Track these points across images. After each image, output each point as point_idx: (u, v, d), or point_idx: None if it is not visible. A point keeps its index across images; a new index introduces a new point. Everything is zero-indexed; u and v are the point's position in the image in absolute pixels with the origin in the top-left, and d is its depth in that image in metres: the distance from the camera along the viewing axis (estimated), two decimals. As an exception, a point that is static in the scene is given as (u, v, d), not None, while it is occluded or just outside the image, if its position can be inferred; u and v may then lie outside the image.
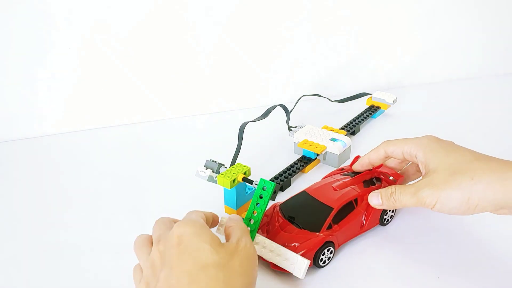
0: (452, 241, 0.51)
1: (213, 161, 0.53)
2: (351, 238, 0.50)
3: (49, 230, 0.55)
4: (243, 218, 0.46)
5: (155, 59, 0.79)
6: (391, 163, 0.54)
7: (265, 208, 0.46)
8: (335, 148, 0.64)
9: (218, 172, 0.52)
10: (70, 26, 0.72)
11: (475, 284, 0.45)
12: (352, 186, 0.51)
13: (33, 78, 0.74)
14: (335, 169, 0.58)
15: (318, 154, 0.65)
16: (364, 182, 0.52)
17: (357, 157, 0.54)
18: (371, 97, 0.83)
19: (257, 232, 0.48)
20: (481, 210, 0.40)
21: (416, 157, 0.46)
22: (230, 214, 0.53)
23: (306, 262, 0.43)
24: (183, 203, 0.58)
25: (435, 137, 0.47)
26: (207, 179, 0.52)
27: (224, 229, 0.43)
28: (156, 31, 0.77)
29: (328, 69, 0.90)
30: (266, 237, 0.47)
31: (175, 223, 0.44)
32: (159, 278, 0.37)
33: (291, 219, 0.49)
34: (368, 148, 0.53)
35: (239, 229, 0.42)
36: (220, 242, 0.39)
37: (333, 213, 0.48)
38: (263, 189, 0.46)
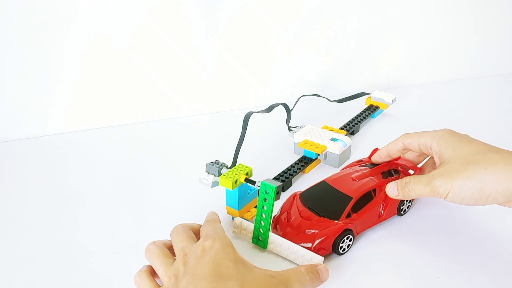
0: (454, 240, 0.51)
1: (213, 162, 0.53)
2: (369, 227, 0.52)
3: (51, 230, 0.55)
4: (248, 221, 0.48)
5: (156, 59, 0.79)
6: (409, 156, 0.56)
7: (272, 210, 0.47)
8: (335, 148, 0.65)
9: (220, 174, 0.52)
10: (72, 26, 0.72)
11: (475, 284, 0.45)
12: (371, 177, 0.53)
13: (35, 78, 0.74)
14: (354, 161, 0.59)
15: (318, 154, 0.65)
16: (383, 173, 0.54)
17: (376, 149, 0.56)
18: (370, 97, 0.83)
19: (274, 226, 0.51)
20: (493, 200, 0.40)
21: (431, 148, 0.48)
22: (232, 215, 0.54)
23: (321, 259, 0.45)
24: (184, 203, 0.59)
25: (451, 130, 0.48)
26: (211, 186, 0.52)
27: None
28: (157, 31, 0.77)
29: (328, 69, 0.90)
30: (287, 224, 0.50)
31: (192, 230, 0.45)
32: (180, 285, 0.37)
33: (311, 208, 0.50)
34: (368, 148, 0.54)
35: (294, 275, 0.41)
36: (246, 263, 0.40)
37: (352, 202, 0.50)
38: (266, 193, 0.47)
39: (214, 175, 0.52)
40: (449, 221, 0.54)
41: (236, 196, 0.52)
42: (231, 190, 0.51)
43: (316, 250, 0.47)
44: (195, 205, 0.58)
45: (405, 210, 0.54)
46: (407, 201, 0.54)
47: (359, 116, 0.79)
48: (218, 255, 0.39)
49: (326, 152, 0.65)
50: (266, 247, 0.49)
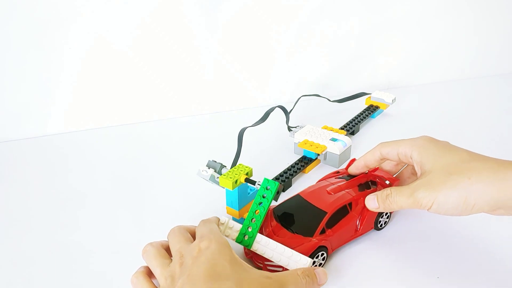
0: (450, 241, 0.51)
1: (215, 161, 0.53)
2: (345, 243, 0.50)
3: (51, 230, 0.55)
4: (244, 219, 0.47)
5: (156, 59, 0.79)
6: (386, 166, 0.54)
7: (268, 208, 0.47)
8: (335, 148, 0.65)
9: (220, 173, 0.52)
10: (72, 26, 0.72)
11: (475, 284, 0.45)
12: (347, 190, 0.51)
13: (35, 78, 0.74)
14: (331, 172, 0.57)
15: (318, 154, 0.65)
16: (359, 185, 0.52)
17: (353, 160, 0.54)
18: (370, 97, 0.83)
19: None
20: (478, 210, 0.39)
21: (411, 158, 0.46)
22: (232, 215, 0.54)
23: (310, 261, 0.44)
24: (184, 203, 0.59)
25: (430, 137, 0.46)
26: (208, 178, 0.52)
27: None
28: (157, 31, 0.77)
29: (327, 69, 0.91)
30: None
31: (189, 232, 0.45)
32: (177, 284, 0.37)
33: (284, 223, 0.48)
34: (367, 148, 0.54)
35: (289, 277, 0.41)
36: (242, 264, 0.40)
37: (327, 217, 0.47)
38: (267, 189, 0.47)
39: (214, 170, 0.52)
40: (430, 232, 0.52)
41: (236, 196, 0.52)
42: (231, 190, 0.51)
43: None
44: (195, 205, 0.58)
45: (382, 224, 0.52)
46: (385, 215, 0.52)
47: (359, 116, 0.79)
48: (214, 256, 0.39)
49: (326, 152, 0.65)
50: (251, 246, 0.47)
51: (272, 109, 0.64)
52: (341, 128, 0.75)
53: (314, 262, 0.46)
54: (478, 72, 1.00)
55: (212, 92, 0.84)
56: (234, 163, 0.56)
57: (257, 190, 0.49)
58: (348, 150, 0.67)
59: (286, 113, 0.69)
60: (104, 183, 0.64)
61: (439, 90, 0.94)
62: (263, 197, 0.47)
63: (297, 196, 0.51)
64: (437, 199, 0.40)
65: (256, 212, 0.47)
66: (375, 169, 0.53)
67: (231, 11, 0.79)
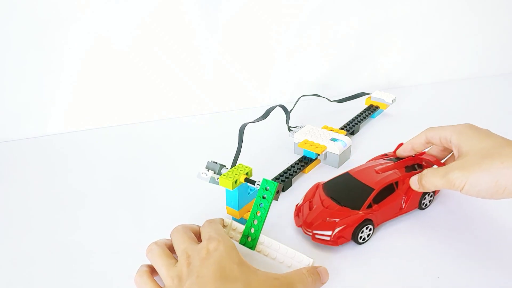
0: (450, 242, 0.51)
1: (214, 162, 0.53)
2: (389, 219, 0.53)
3: (51, 230, 0.55)
4: (244, 219, 0.47)
5: (156, 59, 0.79)
6: (433, 151, 0.56)
7: (268, 209, 0.47)
8: (335, 148, 0.65)
9: (219, 173, 0.52)
10: (72, 26, 0.72)
11: (475, 285, 0.45)
12: (394, 170, 0.54)
13: (35, 78, 0.74)
14: (379, 154, 0.60)
15: (318, 154, 0.65)
16: (406, 167, 0.55)
17: (401, 144, 0.57)
18: (370, 97, 0.83)
19: (296, 214, 0.53)
20: (508, 194, 0.40)
21: (450, 142, 0.48)
22: (232, 215, 0.54)
23: (311, 261, 0.44)
24: (184, 203, 0.59)
25: (472, 124, 0.48)
26: (209, 180, 0.52)
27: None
28: (157, 31, 0.77)
29: (328, 69, 0.91)
30: (307, 213, 0.51)
31: (193, 231, 0.45)
32: (185, 285, 0.38)
33: (333, 197, 0.52)
34: (368, 147, 0.54)
35: (296, 277, 0.42)
36: (249, 266, 0.41)
37: (374, 193, 0.51)
38: (266, 189, 0.47)
39: (214, 172, 0.52)
40: (432, 232, 0.53)
41: (236, 196, 0.52)
42: (231, 190, 0.51)
43: (335, 238, 0.48)
44: (195, 205, 0.58)
45: (426, 204, 0.55)
46: (428, 195, 0.55)
47: (359, 116, 0.79)
48: (222, 258, 0.40)
49: (326, 152, 0.65)
50: (255, 248, 0.48)
51: (273, 108, 0.64)
52: (341, 128, 0.75)
53: (362, 237, 0.50)
54: (478, 72, 1.00)
55: (212, 92, 0.84)
56: (235, 160, 0.56)
57: (257, 191, 0.49)
58: (348, 150, 0.67)
59: (287, 112, 0.69)
60: (104, 183, 0.64)
61: (439, 90, 0.94)
62: (263, 198, 0.47)
63: (346, 174, 0.55)
64: (469, 180, 0.42)
65: (257, 213, 0.47)
66: (422, 153, 0.56)
67: (231, 11, 0.79)
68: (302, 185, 0.62)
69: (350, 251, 0.50)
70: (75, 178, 0.65)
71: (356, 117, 0.78)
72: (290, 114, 0.70)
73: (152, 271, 0.43)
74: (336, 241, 0.48)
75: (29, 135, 0.76)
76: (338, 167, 0.66)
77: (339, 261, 0.49)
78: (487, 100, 0.90)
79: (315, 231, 0.49)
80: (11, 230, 0.55)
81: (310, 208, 0.52)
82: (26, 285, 0.47)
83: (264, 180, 0.47)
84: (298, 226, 0.52)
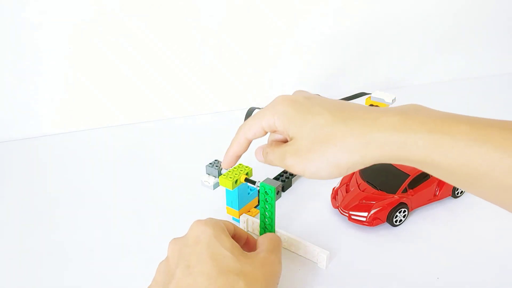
0: (450, 242, 0.51)
1: (212, 164, 0.53)
2: (424, 204, 0.56)
3: (51, 230, 0.55)
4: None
5: (155, 58, 0.79)
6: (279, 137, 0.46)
7: (274, 210, 0.48)
8: (335, 148, 0.65)
9: (220, 174, 0.52)
10: (72, 26, 0.72)
11: (475, 285, 0.45)
12: None
13: (31, 78, 0.74)
14: None
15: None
16: None
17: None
18: (370, 97, 0.83)
19: (333, 197, 0.56)
20: (352, 170, 0.38)
21: (276, 128, 0.41)
22: (232, 215, 0.54)
23: (326, 254, 0.46)
24: (184, 203, 0.59)
25: (289, 99, 0.41)
26: (213, 188, 0.52)
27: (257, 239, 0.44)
28: (156, 31, 0.77)
29: (327, 69, 0.90)
30: (344, 195, 0.54)
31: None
32: (174, 275, 0.36)
33: (369, 182, 0.55)
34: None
35: (271, 243, 0.42)
36: (241, 250, 0.39)
37: (409, 179, 0.53)
38: (266, 194, 0.47)
39: (215, 177, 0.52)
40: (432, 232, 0.53)
41: (236, 196, 0.52)
42: (231, 190, 0.51)
43: (371, 219, 0.52)
44: (195, 205, 0.58)
45: (459, 193, 0.57)
46: None
47: (359, 116, 0.78)
48: (212, 243, 0.38)
49: (326, 152, 0.65)
50: None
51: None
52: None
53: (396, 220, 0.53)
54: (478, 72, 1.00)
55: (212, 92, 0.84)
56: None
57: (257, 192, 0.49)
58: (348, 150, 0.67)
59: None
60: (103, 183, 0.64)
61: (439, 90, 0.94)
62: (266, 201, 0.48)
63: None
64: (307, 168, 0.38)
65: (266, 214, 0.48)
66: None
67: (232, 11, 0.79)
68: (303, 185, 0.62)
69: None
70: (75, 178, 0.65)
71: (356, 117, 0.78)
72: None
73: None
74: (371, 222, 0.52)
75: (28, 135, 0.76)
76: None
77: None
78: (487, 100, 0.90)
79: (351, 212, 0.53)
80: (11, 230, 0.55)
81: (347, 191, 0.55)
82: (25, 285, 0.47)
83: (262, 184, 0.47)
84: (335, 208, 0.55)
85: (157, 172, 0.66)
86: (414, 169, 0.49)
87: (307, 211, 0.57)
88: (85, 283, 0.47)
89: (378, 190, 0.54)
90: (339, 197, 0.56)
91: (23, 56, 0.72)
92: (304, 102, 0.40)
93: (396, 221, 0.53)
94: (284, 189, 0.61)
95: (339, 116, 0.38)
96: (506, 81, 0.98)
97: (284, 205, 0.58)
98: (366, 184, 0.55)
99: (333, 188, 0.58)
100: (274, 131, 0.43)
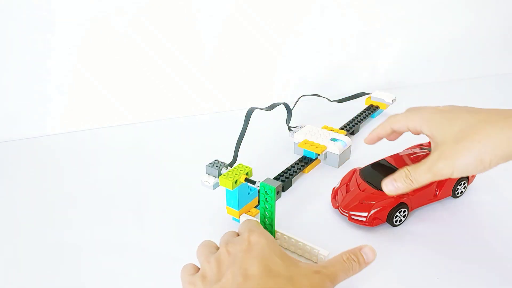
0: (450, 242, 0.51)
1: (212, 164, 0.53)
2: (424, 204, 0.55)
3: (50, 230, 0.55)
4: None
5: (155, 59, 0.79)
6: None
7: (274, 210, 0.48)
8: (335, 148, 0.65)
9: (220, 174, 0.52)
10: (70, 25, 0.72)
11: (475, 285, 0.46)
12: None
13: (33, 78, 0.74)
14: (415, 144, 0.62)
15: (318, 154, 0.65)
16: None
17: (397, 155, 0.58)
18: (370, 97, 0.83)
19: (333, 197, 0.56)
20: (495, 164, 0.42)
21: (422, 131, 0.48)
22: (232, 215, 0.54)
23: (326, 253, 0.47)
24: (184, 203, 0.59)
25: (435, 107, 0.48)
26: (213, 188, 0.52)
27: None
28: (156, 31, 0.77)
29: (327, 69, 0.91)
30: (344, 195, 0.55)
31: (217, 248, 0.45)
32: (224, 274, 0.38)
33: (369, 182, 0.55)
34: (367, 147, 0.54)
35: (336, 265, 0.42)
36: (291, 258, 0.41)
37: None
38: (266, 193, 0.47)
39: (215, 177, 0.52)
40: (432, 232, 0.53)
41: (236, 196, 0.52)
42: (231, 190, 0.51)
43: (371, 219, 0.52)
44: (195, 204, 0.58)
45: (459, 193, 0.57)
46: (462, 183, 0.56)
47: (359, 116, 0.79)
48: (265, 251, 0.40)
49: (326, 152, 0.65)
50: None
51: (278, 104, 0.64)
52: (341, 128, 0.75)
53: (396, 220, 0.53)
54: (478, 72, 1.00)
55: (212, 92, 0.84)
56: (238, 142, 0.56)
57: (257, 192, 0.49)
58: (348, 150, 0.67)
59: (289, 112, 0.69)
60: (103, 183, 0.64)
61: (439, 90, 0.94)
62: (266, 201, 0.48)
63: (382, 160, 0.57)
64: (455, 167, 0.42)
65: (266, 213, 0.49)
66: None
67: (231, 10, 0.79)
68: (303, 185, 0.62)
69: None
70: (75, 179, 0.65)
71: (356, 117, 0.78)
72: (291, 114, 0.70)
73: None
74: (371, 222, 0.52)
75: (28, 135, 0.76)
76: (338, 167, 0.66)
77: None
78: (487, 100, 0.90)
79: (351, 212, 0.53)
80: (10, 230, 0.55)
81: (347, 191, 0.55)
82: (26, 284, 0.47)
83: (262, 185, 0.47)
84: (335, 208, 0.55)
85: (157, 172, 0.66)
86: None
87: (307, 211, 0.57)
88: (85, 283, 0.47)
89: (378, 190, 0.53)
90: (339, 197, 0.56)
91: (22, 57, 0.72)
92: (446, 109, 0.47)
93: (396, 221, 0.53)
94: (284, 189, 0.61)
95: (478, 117, 0.44)
96: (506, 81, 0.99)
97: (284, 205, 0.58)
98: (366, 184, 0.55)
99: (333, 188, 0.58)
100: (417, 134, 0.50)
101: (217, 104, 0.85)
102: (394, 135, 0.54)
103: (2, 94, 0.74)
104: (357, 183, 0.55)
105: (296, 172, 0.63)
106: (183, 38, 0.79)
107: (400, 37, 0.93)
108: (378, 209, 0.52)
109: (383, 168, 0.55)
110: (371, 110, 0.81)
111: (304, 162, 0.66)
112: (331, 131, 0.69)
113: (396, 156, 0.57)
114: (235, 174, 0.51)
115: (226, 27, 0.80)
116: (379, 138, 0.54)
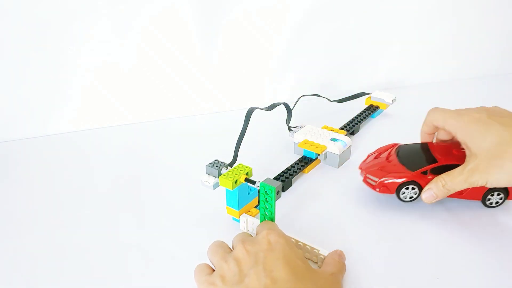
0: (450, 242, 0.51)
1: (212, 164, 0.53)
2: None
3: (51, 230, 0.55)
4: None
5: (156, 59, 0.79)
6: (442, 136, 0.58)
7: (274, 210, 0.48)
8: (335, 148, 0.65)
9: (220, 174, 0.52)
10: (72, 27, 0.72)
11: (475, 285, 0.46)
12: None
13: (35, 78, 0.74)
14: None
15: (318, 154, 0.65)
16: None
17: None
18: (370, 97, 0.83)
19: (365, 160, 0.59)
20: None
21: (455, 136, 0.52)
22: (232, 215, 0.54)
23: (326, 254, 0.47)
24: (185, 203, 0.59)
25: (474, 118, 0.50)
26: (213, 188, 0.52)
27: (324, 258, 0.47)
28: (156, 31, 0.77)
29: (327, 69, 0.91)
30: (371, 160, 0.58)
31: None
32: (246, 275, 0.38)
33: (398, 155, 0.56)
34: (368, 147, 0.55)
35: (338, 266, 0.45)
36: (306, 259, 0.42)
37: (435, 164, 0.53)
38: (266, 193, 0.47)
39: (215, 177, 0.52)
40: (431, 232, 0.53)
41: (236, 196, 0.52)
42: (231, 190, 0.51)
43: (380, 185, 0.54)
44: (196, 205, 0.58)
45: (492, 203, 0.55)
46: (497, 194, 0.54)
47: (359, 116, 0.79)
48: (286, 252, 0.40)
49: (326, 152, 0.65)
50: None
51: (278, 104, 0.64)
52: (341, 128, 0.75)
53: (405, 195, 0.54)
54: (478, 72, 1.00)
55: (212, 92, 0.84)
56: (238, 142, 0.56)
57: (257, 192, 0.49)
58: (348, 150, 0.67)
59: (289, 112, 0.69)
60: (104, 183, 0.64)
61: (439, 90, 0.94)
62: (266, 201, 0.48)
63: (424, 143, 0.58)
64: (489, 180, 0.48)
65: (266, 214, 0.49)
66: None
67: (232, 10, 0.79)
68: (303, 185, 0.62)
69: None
70: (75, 179, 0.65)
71: (356, 117, 0.78)
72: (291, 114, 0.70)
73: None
74: (380, 188, 0.54)
75: (29, 135, 0.76)
76: (338, 167, 0.66)
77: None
78: (487, 100, 0.89)
79: (367, 175, 0.56)
80: (12, 230, 0.55)
81: (376, 158, 0.58)
82: (26, 285, 0.47)
83: (262, 185, 0.47)
84: (359, 168, 0.58)
85: (157, 172, 0.66)
86: (446, 158, 0.53)
87: (307, 211, 0.57)
88: (85, 283, 0.47)
89: (401, 164, 0.55)
90: (367, 160, 0.59)
91: (24, 58, 0.72)
92: (486, 121, 0.49)
93: (404, 197, 0.54)
94: (284, 189, 0.61)
95: (510, 132, 0.47)
96: (506, 81, 0.99)
97: (284, 205, 0.58)
98: (396, 157, 0.56)
99: (368, 154, 0.61)
100: (451, 138, 0.56)
101: (217, 104, 0.85)
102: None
103: (4, 94, 0.73)
104: (388, 154, 0.58)
105: (296, 172, 0.63)
106: (183, 39, 0.79)
107: (400, 37, 0.92)
108: (390, 179, 0.54)
109: (420, 149, 0.57)
110: (371, 110, 0.81)
111: (304, 162, 0.66)
112: (331, 131, 0.69)
113: (442, 146, 0.57)
114: (235, 174, 0.51)
115: (225, 28, 0.80)
116: (429, 134, 0.58)
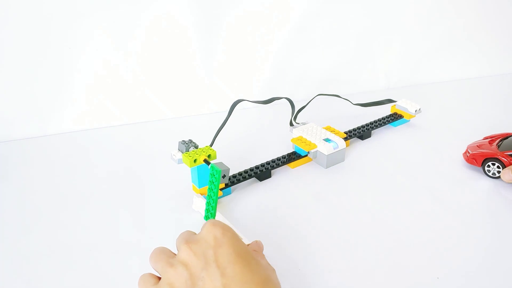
0: (450, 242, 0.50)
1: (184, 141, 0.54)
2: None
3: (52, 230, 0.54)
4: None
5: (155, 59, 0.79)
6: None
7: (218, 191, 0.49)
8: (324, 149, 0.64)
9: (187, 151, 0.53)
10: (72, 27, 0.73)
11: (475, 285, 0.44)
12: None
13: (33, 78, 0.75)
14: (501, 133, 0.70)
15: (308, 152, 0.64)
16: None
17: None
18: (395, 105, 0.78)
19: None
20: None
21: None
22: (195, 192, 0.56)
23: (247, 243, 0.46)
24: (185, 203, 0.58)
25: None
26: (177, 163, 0.53)
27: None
28: (156, 31, 0.77)
29: (328, 69, 0.90)
30: (481, 140, 0.66)
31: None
32: (199, 277, 0.34)
33: (501, 141, 0.64)
34: (370, 153, 0.52)
35: (263, 256, 0.42)
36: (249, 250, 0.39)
37: None
38: (213, 175, 0.48)
39: (182, 153, 0.54)
40: (432, 232, 0.51)
41: (196, 175, 0.54)
42: (189, 168, 0.52)
43: (470, 157, 0.63)
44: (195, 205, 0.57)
45: None
46: None
47: (375, 122, 0.75)
48: (235, 244, 0.37)
49: (316, 151, 0.65)
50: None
51: (278, 98, 0.63)
52: (348, 131, 0.72)
53: (489, 170, 0.62)
54: (478, 72, 1.00)
55: (211, 92, 0.84)
56: (219, 129, 0.58)
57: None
58: (340, 152, 0.65)
59: (293, 107, 0.68)
60: (104, 183, 0.63)
61: (439, 90, 0.93)
62: (213, 182, 0.49)
63: None
64: None
65: (211, 195, 0.50)
66: None
67: (232, 10, 0.79)
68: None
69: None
70: (76, 179, 0.65)
71: (370, 123, 0.74)
72: (303, 111, 0.70)
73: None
74: (468, 159, 0.64)
75: (30, 135, 0.77)
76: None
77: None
78: (487, 100, 0.89)
79: (469, 150, 0.65)
80: (12, 230, 0.55)
81: (486, 139, 0.67)
82: (27, 284, 0.46)
83: (212, 166, 0.48)
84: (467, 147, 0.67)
85: (158, 172, 0.65)
86: None
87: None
88: (85, 283, 0.46)
89: (497, 147, 0.63)
90: (477, 141, 0.67)
91: (25, 58, 0.73)
92: None
93: (488, 171, 0.61)
94: (261, 178, 0.61)
95: None
96: (506, 81, 0.98)
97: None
98: (497, 142, 0.64)
99: (484, 137, 0.69)
100: None
101: (217, 104, 0.85)
102: None
103: (4, 94, 0.74)
104: (495, 139, 0.65)
105: (278, 164, 0.63)
106: (183, 39, 0.79)
107: (400, 37, 0.92)
108: (478, 152, 0.62)
109: None
110: (392, 118, 0.77)
111: (292, 157, 0.65)
112: (330, 132, 0.68)
113: None
114: (197, 154, 0.52)
115: (225, 28, 0.80)
116: None
